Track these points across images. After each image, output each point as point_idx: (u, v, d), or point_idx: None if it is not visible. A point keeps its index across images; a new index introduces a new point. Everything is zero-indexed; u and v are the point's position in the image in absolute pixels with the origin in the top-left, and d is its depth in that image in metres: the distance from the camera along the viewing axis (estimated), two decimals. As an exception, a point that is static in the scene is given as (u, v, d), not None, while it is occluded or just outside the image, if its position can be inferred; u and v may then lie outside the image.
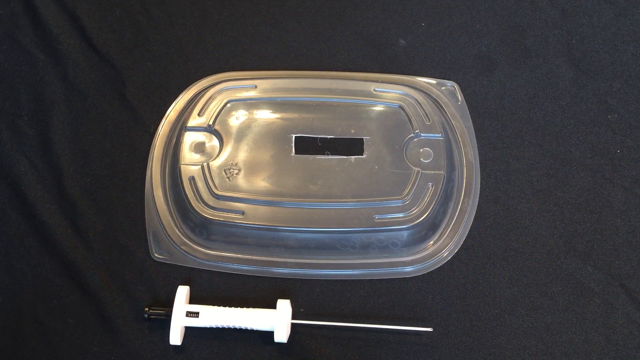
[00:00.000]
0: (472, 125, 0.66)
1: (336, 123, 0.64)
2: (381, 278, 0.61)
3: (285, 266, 0.61)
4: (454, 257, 0.61)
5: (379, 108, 0.65)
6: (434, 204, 0.60)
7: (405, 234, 0.60)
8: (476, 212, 0.63)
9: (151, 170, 0.64)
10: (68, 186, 0.64)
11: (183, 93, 0.68)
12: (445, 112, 0.66)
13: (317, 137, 0.63)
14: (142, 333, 0.59)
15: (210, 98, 0.65)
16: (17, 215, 0.63)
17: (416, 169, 0.61)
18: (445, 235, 0.62)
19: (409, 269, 0.61)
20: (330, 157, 0.62)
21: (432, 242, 0.62)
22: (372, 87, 0.65)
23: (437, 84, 0.68)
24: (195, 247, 0.62)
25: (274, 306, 0.58)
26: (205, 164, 0.62)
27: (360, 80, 0.67)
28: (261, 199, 0.60)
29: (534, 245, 0.62)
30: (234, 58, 0.70)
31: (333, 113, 0.64)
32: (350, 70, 0.69)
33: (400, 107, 0.64)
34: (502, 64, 0.69)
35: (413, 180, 0.61)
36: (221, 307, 0.58)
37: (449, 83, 0.68)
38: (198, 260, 0.61)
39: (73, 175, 0.64)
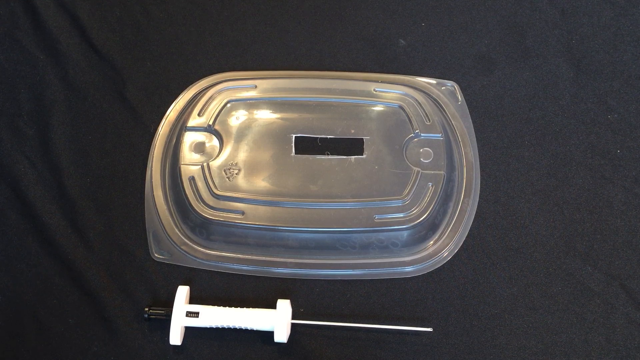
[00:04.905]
0: (472, 125, 0.66)
1: (336, 123, 0.64)
2: (381, 278, 0.61)
3: (285, 266, 0.61)
4: (454, 257, 0.61)
5: (379, 108, 0.65)
6: (434, 204, 0.60)
7: (405, 234, 0.60)
8: (476, 212, 0.63)
9: (151, 170, 0.64)
10: (68, 186, 0.64)
11: (183, 93, 0.68)
12: (445, 112, 0.66)
13: (317, 137, 0.63)
14: (142, 333, 0.59)
15: (210, 98, 0.65)
16: (17, 215, 0.63)
17: (416, 169, 0.61)
18: (445, 235, 0.62)
19: (409, 269, 0.61)
20: (330, 157, 0.62)
21: (432, 242, 0.62)
22: (372, 87, 0.65)
23: (437, 84, 0.68)
24: (195, 247, 0.62)
25: (274, 306, 0.58)
26: (205, 164, 0.62)
27: (360, 80, 0.67)
28: (261, 199, 0.60)
29: (534, 245, 0.62)
30: (234, 58, 0.70)
31: (333, 113, 0.64)
32: (350, 70, 0.69)
33: (400, 107, 0.64)
34: (502, 64, 0.69)
35: (413, 180, 0.61)
36: (221, 307, 0.58)
37: (449, 83, 0.68)
38: (198, 260, 0.61)
39: (73, 175, 0.64)
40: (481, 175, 0.64)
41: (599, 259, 0.61)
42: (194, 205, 0.60)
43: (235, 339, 0.59)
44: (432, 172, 0.61)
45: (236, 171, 0.62)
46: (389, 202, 0.60)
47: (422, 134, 0.63)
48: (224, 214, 0.60)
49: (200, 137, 0.63)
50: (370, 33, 0.71)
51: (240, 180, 0.61)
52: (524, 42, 0.70)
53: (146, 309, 0.59)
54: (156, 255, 0.62)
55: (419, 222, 0.60)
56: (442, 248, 0.61)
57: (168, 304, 0.59)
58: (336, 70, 0.69)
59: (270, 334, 0.57)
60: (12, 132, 0.66)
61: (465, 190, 0.63)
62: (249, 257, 0.61)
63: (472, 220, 0.63)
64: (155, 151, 0.65)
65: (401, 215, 0.60)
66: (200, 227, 0.61)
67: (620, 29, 0.70)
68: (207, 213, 0.60)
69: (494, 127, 0.67)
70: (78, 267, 0.61)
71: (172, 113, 0.67)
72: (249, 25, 0.71)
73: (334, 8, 0.72)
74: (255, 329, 0.58)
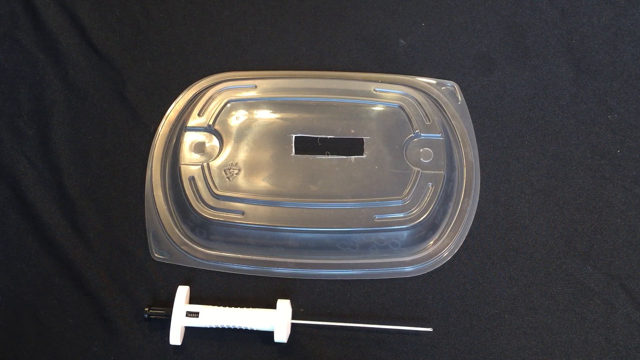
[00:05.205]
0: (472, 125, 0.66)
1: (336, 123, 0.64)
2: (381, 278, 0.61)
3: (285, 266, 0.61)
4: (454, 257, 0.61)
5: (379, 108, 0.65)
6: (434, 204, 0.60)
7: (405, 234, 0.60)
8: (476, 212, 0.63)
9: (151, 170, 0.64)
10: (68, 186, 0.64)
11: (183, 93, 0.68)
12: (445, 112, 0.66)
13: (317, 137, 0.63)
14: (142, 333, 0.59)
15: (210, 98, 0.65)
16: (17, 215, 0.63)
17: (416, 169, 0.61)
18: (445, 235, 0.62)
19: (409, 269, 0.61)
20: (330, 157, 0.62)
21: (432, 242, 0.62)
22: (372, 87, 0.65)
23: (437, 84, 0.68)
24: (195, 247, 0.62)
25: (274, 306, 0.58)
26: (205, 164, 0.62)
27: (360, 80, 0.67)
28: (261, 199, 0.60)
29: (534, 245, 0.62)
30: (234, 58, 0.70)
31: (333, 113, 0.64)
32: (350, 70, 0.69)
33: (400, 107, 0.64)
34: (502, 64, 0.69)
35: (413, 180, 0.61)
36: (221, 307, 0.58)
37: (449, 83, 0.68)
38: (198, 260, 0.61)
39: (73, 175, 0.64)
40: (481, 175, 0.64)
41: (599, 259, 0.61)
42: (194, 205, 0.60)
43: (235, 339, 0.59)
44: (432, 172, 0.61)
45: (236, 171, 0.62)
46: (389, 202, 0.60)
47: (422, 134, 0.63)
48: (224, 214, 0.60)
49: (200, 137, 0.63)
50: (370, 33, 0.71)
51: (240, 180, 0.61)
52: (524, 42, 0.70)
53: (146, 309, 0.59)
54: (156, 255, 0.62)
55: (419, 222, 0.60)
56: (442, 248, 0.61)
57: (168, 304, 0.59)
58: (336, 70, 0.69)
59: (270, 334, 0.57)
60: (12, 132, 0.66)
61: (465, 190, 0.63)
62: (249, 257, 0.61)
63: (472, 220, 0.63)
64: (155, 151, 0.65)
65: (401, 215, 0.60)
66: (200, 227, 0.61)
67: (620, 29, 0.70)
68: (207, 213, 0.60)
69: (494, 127, 0.67)
70: (78, 267, 0.61)
71: (172, 113, 0.67)
72: (249, 25, 0.71)
73: (334, 8, 0.72)
74: (255, 329, 0.58)
